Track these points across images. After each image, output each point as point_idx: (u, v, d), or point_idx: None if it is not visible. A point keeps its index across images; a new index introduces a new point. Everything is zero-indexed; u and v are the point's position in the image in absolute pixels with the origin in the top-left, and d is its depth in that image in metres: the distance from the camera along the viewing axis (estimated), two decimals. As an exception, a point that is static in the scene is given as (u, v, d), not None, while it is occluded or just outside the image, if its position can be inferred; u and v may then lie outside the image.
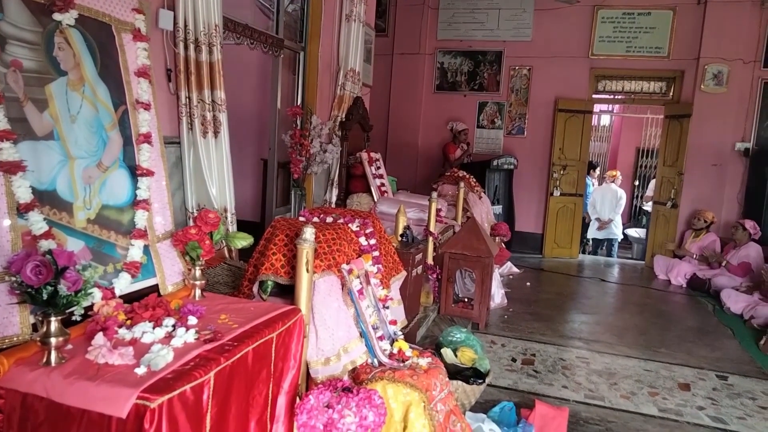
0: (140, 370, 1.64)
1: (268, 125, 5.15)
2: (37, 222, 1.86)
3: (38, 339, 1.67)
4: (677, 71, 7.44)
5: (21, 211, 1.83)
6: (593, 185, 9.05)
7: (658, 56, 7.45)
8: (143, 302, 2.03)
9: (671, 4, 7.29)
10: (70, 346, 1.75)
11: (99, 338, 1.75)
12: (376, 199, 5.14)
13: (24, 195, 1.84)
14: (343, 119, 5.18)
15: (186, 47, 3.10)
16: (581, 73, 7.76)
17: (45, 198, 1.95)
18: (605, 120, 11.46)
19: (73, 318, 1.85)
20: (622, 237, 8.97)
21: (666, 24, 7.36)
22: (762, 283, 5.67)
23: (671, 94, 7.64)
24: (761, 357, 4.45)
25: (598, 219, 8.73)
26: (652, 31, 7.43)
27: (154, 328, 1.91)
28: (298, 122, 4.95)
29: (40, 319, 1.67)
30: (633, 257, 8.86)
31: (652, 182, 8.91)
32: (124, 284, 2.17)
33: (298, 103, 5.14)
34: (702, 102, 7.11)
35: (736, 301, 5.64)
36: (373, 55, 6.26)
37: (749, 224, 6.34)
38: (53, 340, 1.65)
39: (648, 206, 8.72)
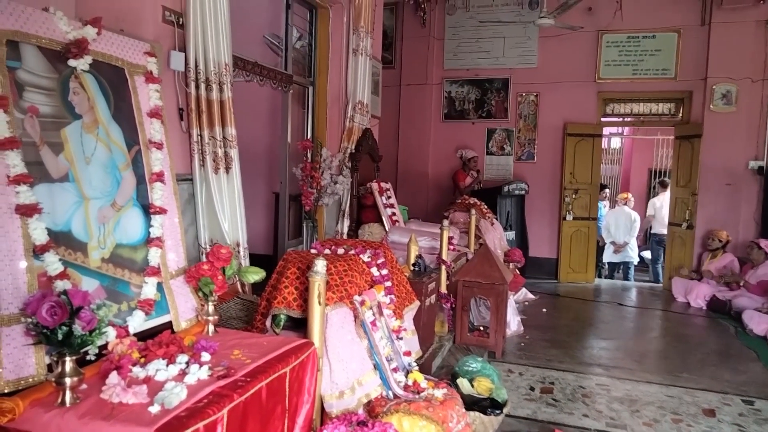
0: (154, 409, 1.64)
1: (279, 159, 5.22)
2: (52, 263, 1.89)
3: (53, 379, 1.69)
4: (685, 92, 7.44)
5: (37, 252, 1.87)
6: (605, 208, 8.99)
7: (665, 78, 7.47)
8: (157, 339, 2.04)
9: (675, 26, 7.35)
10: (84, 386, 1.76)
11: (113, 377, 1.76)
12: (387, 229, 5.16)
13: (40, 237, 1.88)
14: (353, 151, 5.24)
15: (197, 86, 3.18)
16: (589, 97, 7.79)
17: (60, 239, 1.99)
18: (616, 142, 11.45)
19: (88, 357, 1.86)
20: (638, 260, 8.86)
21: (671, 46, 7.40)
22: (784, 303, 5.55)
23: (680, 114, 7.63)
24: (788, 380, 4.33)
25: (613, 243, 8.63)
26: (658, 54, 7.47)
27: (167, 365, 1.92)
28: (309, 155, 5.01)
29: (55, 359, 1.69)
30: (650, 280, 8.73)
31: (651, 200, 8.82)
32: (138, 322, 2.19)
33: (308, 137, 5.21)
34: (712, 122, 7.08)
35: (758, 323, 5.50)
36: (380, 87, 6.36)
37: (764, 243, 6.24)
38: (68, 381, 1.67)
39: (656, 230, 8.61)
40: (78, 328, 1.66)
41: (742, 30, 6.92)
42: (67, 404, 1.66)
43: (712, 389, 4.10)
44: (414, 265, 4.05)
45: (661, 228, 8.37)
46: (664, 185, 8.66)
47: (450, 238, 4.74)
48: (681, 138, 7.57)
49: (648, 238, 9.13)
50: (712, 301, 6.51)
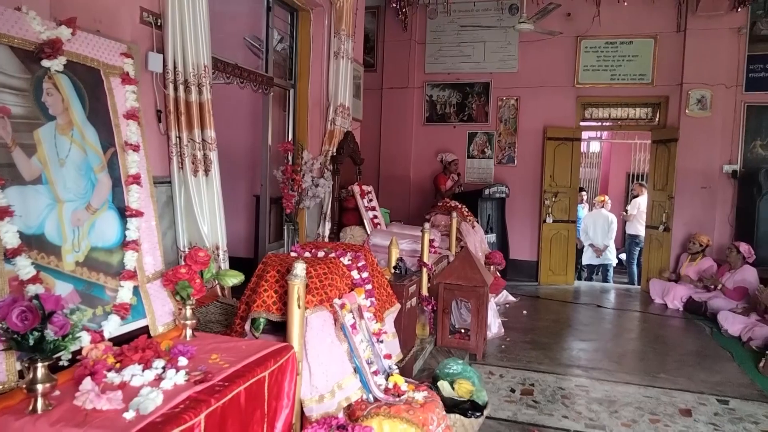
0: (129, 415, 1.61)
1: (260, 161, 5.19)
2: (24, 267, 1.85)
3: (24, 386, 1.65)
4: (662, 97, 7.57)
5: (8, 256, 1.83)
6: (584, 210, 9.10)
7: (642, 83, 7.60)
8: (133, 344, 2.01)
9: (652, 32, 7.47)
10: (57, 393, 1.72)
11: (87, 383, 1.72)
12: (369, 232, 5.15)
13: (11, 240, 1.83)
14: (334, 153, 5.23)
15: (176, 88, 3.15)
16: (568, 102, 7.89)
17: (33, 242, 1.95)
18: (595, 146, 11.60)
19: (61, 363, 1.82)
20: (616, 262, 8.97)
21: (648, 52, 7.53)
22: (758, 304, 5.65)
23: (657, 119, 7.76)
24: (761, 379, 4.41)
25: (591, 245, 8.74)
26: (635, 59, 7.59)
27: (143, 370, 1.89)
28: (290, 158, 4.99)
29: (27, 365, 1.65)
30: (629, 282, 8.85)
31: (634, 200, 8.93)
32: (113, 326, 2.15)
33: (289, 139, 5.20)
34: (688, 126, 7.22)
35: (733, 323, 5.61)
36: (362, 90, 6.36)
37: (744, 247, 6.33)
38: (40, 387, 1.63)
39: (633, 230, 8.72)
40: (50, 333, 1.63)
41: (717, 37, 7.07)
42: (39, 411, 1.62)
43: (688, 389, 4.17)
44: (395, 267, 4.05)
45: (639, 228, 8.51)
46: (643, 186, 8.83)
47: (431, 241, 4.75)
48: (658, 142, 7.70)
49: (624, 240, 9.26)
50: (688, 303, 6.62)
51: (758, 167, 6.94)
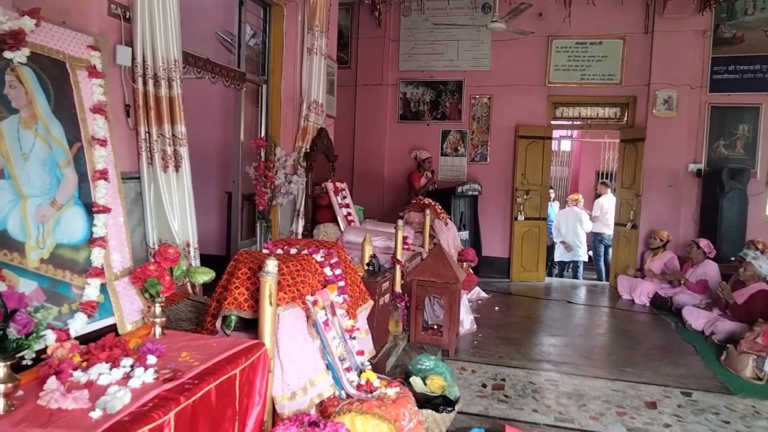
0: (95, 414, 1.59)
1: (232, 158, 5.13)
2: (-15, 264, 1.80)
3: (-15, 387, 1.60)
4: (630, 97, 7.74)
5: (-31, 253, 1.78)
6: (554, 207, 9.22)
7: (611, 83, 7.75)
8: (100, 343, 1.97)
9: (621, 33, 7.63)
10: (20, 393, 1.69)
11: (52, 382, 1.69)
12: (342, 229, 5.15)
13: (-28, 236, 1.79)
14: (308, 150, 5.20)
15: (145, 82, 3.09)
16: (539, 101, 8.00)
17: (-5, 239, 1.90)
18: (566, 145, 11.79)
19: (24, 362, 1.78)
20: (587, 259, 9.15)
21: (617, 52, 7.68)
22: (720, 299, 5.83)
23: (625, 118, 7.93)
24: (722, 372, 4.55)
25: (563, 242, 8.88)
26: (605, 60, 7.74)
27: (111, 369, 1.86)
28: (263, 154, 4.95)
29: (-12, 365, 1.60)
30: (597, 278, 9.02)
31: (597, 201, 9.12)
32: (79, 325, 2.11)
33: (262, 135, 5.15)
34: (655, 126, 7.39)
35: (697, 318, 5.76)
36: (336, 87, 6.34)
37: (703, 243, 6.54)
38: (2, 387, 1.59)
39: (597, 228, 8.89)
40: (13, 331, 1.59)
41: (682, 39, 7.25)
42: (1, 412, 1.58)
43: (654, 382, 4.27)
44: (368, 264, 4.06)
45: (603, 227, 8.70)
46: (606, 185, 9.03)
47: (405, 238, 4.77)
48: (626, 141, 7.87)
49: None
50: (654, 298, 6.78)
51: (721, 166, 7.15)
